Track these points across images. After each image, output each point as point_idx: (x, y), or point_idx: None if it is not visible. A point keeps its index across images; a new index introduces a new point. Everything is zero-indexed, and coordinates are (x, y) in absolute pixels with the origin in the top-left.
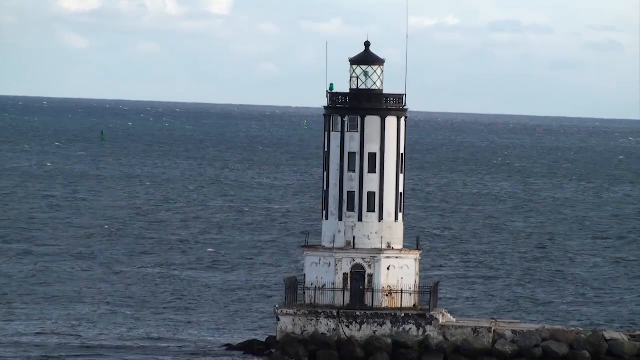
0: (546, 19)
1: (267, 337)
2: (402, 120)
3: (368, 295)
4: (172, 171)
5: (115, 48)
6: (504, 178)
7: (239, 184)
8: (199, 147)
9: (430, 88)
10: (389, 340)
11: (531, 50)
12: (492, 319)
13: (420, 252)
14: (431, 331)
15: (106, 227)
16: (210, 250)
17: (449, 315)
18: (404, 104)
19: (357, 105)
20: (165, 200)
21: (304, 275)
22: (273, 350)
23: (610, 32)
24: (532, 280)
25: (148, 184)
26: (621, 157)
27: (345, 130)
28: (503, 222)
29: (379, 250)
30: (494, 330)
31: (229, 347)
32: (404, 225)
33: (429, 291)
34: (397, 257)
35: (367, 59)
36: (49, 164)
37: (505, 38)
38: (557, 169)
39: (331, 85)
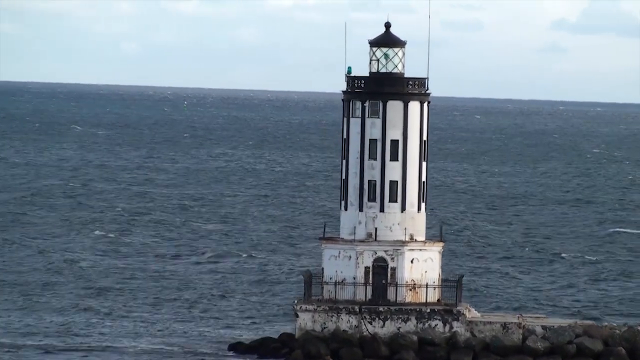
0: None
1: (280, 334)
2: (425, 105)
3: (391, 289)
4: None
5: None
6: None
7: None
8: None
9: (290, 67)
10: (415, 337)
11: (392, 29)
12: (519, 314)
13: (444, 244)
14: (458, 327)
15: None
16: (216, 241)
17: (473, 310)
18: (426, 88)
19: (379, 89)
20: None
21: (322, 269)
22: (289, 349)
23: (470, 11)
24: (552, 273)
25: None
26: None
27: (366, 116)
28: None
29: (402, 243)
30: (524, 326)
31: (240, 345)
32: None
33: (454, 285)
34: (420, 250)
35: (387, 40)
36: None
37: (366, 17)
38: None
39: (349, 68)
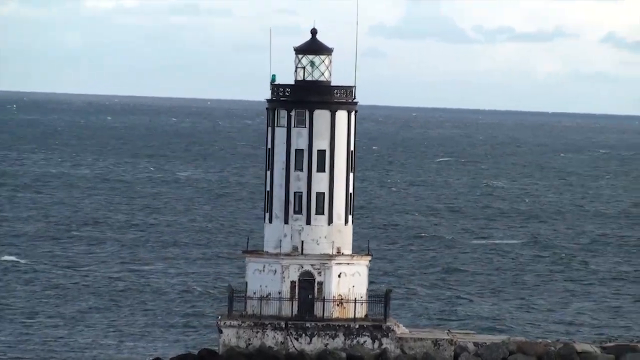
0: (225, 2)
1: (199, 349)
2: (353, 114)
3: (318, 304)
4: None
5: None
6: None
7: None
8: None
9: (111, 71)
10: (343, 354)
11: (213, 33)
12: (447, 330)
13: (371, 258)
14: (388, 344)
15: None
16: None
17: (402, 326)
18: (354, 97)
19: (305, 98)
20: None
21: (246, 283)
22: None
23: (290, 16)
24: (474, 288)
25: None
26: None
27: (292, 125)
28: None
29: (330, 256)
30: (455, 342)
31: None
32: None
33: (382, 300)
34: (348, 264)
35: (313, 47)
36: None
37: (185, 21)
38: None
39: (273, 76)
